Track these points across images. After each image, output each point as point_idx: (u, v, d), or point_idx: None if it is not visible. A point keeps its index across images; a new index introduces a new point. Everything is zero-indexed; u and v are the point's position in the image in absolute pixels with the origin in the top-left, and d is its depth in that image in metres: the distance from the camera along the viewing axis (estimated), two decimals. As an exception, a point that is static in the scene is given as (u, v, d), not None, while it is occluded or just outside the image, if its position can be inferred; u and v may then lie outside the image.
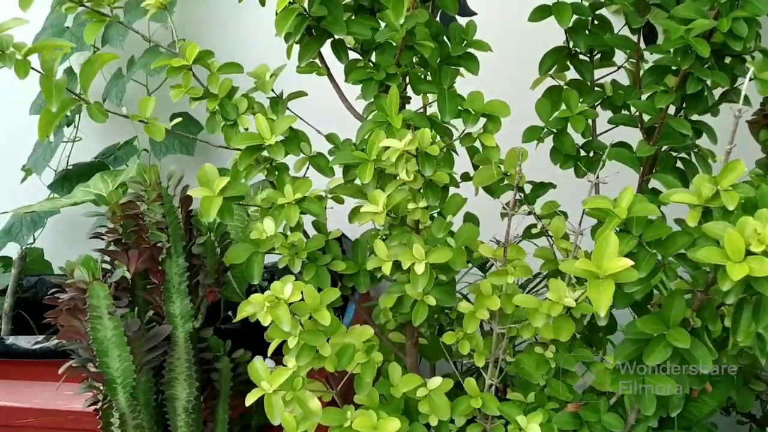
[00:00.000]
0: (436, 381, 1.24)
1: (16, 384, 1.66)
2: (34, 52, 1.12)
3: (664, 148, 1.36)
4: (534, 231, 1.37)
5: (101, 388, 1.37)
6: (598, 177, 1.25)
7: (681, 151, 1.37)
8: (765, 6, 1.14)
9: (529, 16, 1.35)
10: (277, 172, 1.27)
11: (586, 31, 1.38)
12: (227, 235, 1.45)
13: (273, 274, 1.86)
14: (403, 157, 1.15)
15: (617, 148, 1.35)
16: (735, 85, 1.30)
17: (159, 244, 1.38)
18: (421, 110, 1.30)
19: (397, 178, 1.18)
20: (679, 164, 1.38)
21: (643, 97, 1.31)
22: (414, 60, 1.26)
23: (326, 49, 1.27)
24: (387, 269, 1.22)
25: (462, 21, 1.30)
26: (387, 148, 1.15)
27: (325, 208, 1.27)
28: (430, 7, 1.29)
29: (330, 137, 1.32)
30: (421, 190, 1.20)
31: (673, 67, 1.25)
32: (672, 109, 1.31)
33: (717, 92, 1.33)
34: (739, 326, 1.08)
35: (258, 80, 1.33)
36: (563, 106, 1.34)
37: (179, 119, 1.29)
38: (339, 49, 1.26)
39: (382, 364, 1.27)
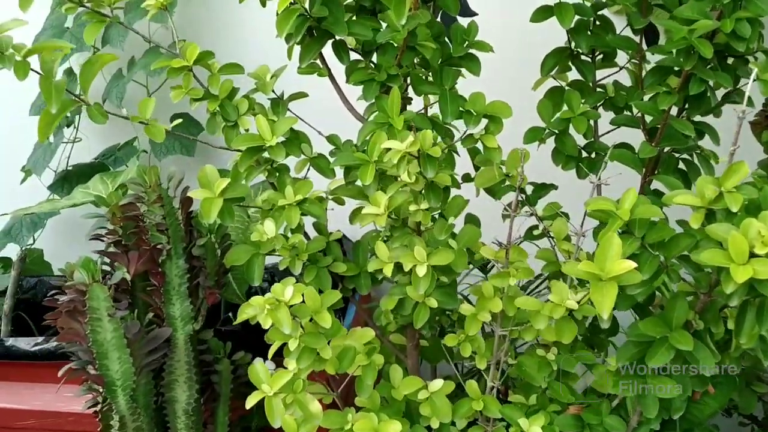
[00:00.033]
0: (437, 383, 1.24)
1: (16, 386, 1.65)
2: (33, 53, 1.11)
3: (667, 149, 1.35)
4: (536, 232, 1.36)
5: (101, 390, 1.37)
6: (600, 178, 1.24)
7: (683, 152, 1.36)
8: (768, 6, 1.14)
9: (531, 16, 1.34)
10: (277, 174, 1.27)
11: (588, 32, 1.37)
12: (228, 236, 1.45)
13: (273, 275, 1.86)
14: (405, 159, 1.15)
15: (619, 149, 1.34)
16: (738, 86, 1.30)
17: (159, 246, 1.38)
18: (423, 111, 1.30)
19: (399, 179, 1.17)
20: (681, 165, 1.37)
21: (646, 98, 1.30)
22: (415, 61, 1.26)
23: (327, 50, 1.27)
24: (388, 271, 1.22)
25: (463, 21, 1.29)
26: (388, 149, 1.14)
27: (326, 209, 1.27)
28: (431, 7, 1.28)
29: (331, 138, 1.32)
30: (423, 192, 1.20)
31: (676, 68, 1.24)
32: (674, 110, 1.30)
33: (719, 93, 1.32)
34: (743, 328, 1.07)
35: (259, 81, 1.33)
36: (565, 107, 1.33)
37: (179, 120, 1.29)
38: (340, 49, 1.26)
39: (383, 366, 1.27)
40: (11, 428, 1.63)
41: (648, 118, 1.33)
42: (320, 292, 1.21)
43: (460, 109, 1.21)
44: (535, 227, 1.36)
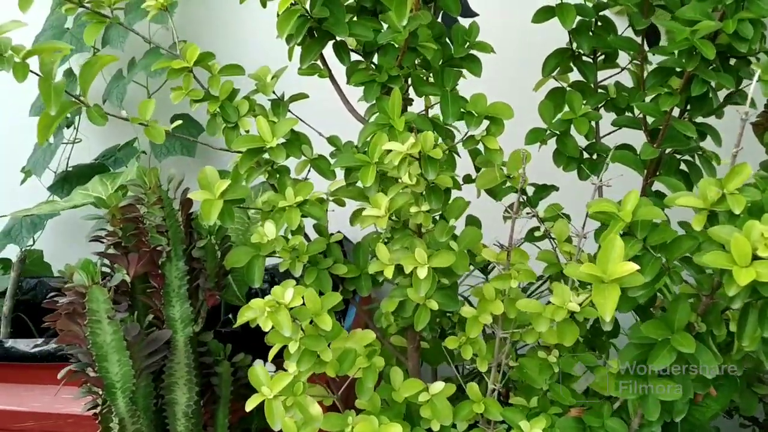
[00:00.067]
0: (438, 386, 1.23)
1: (15, 387, 1.65)
2: (32, 54, 1.11)
3: (668, 150, 1.35)
4: (537, 234, 1.36)
5: (100, 392, 1.37)
6: (601, 180, 1.24)
7: (685, 153, 1.36)
8: (771, 7, 1.14)
9: (533, 17, 1.34)
10: (278, 175, 1.27)
11: (590, 33, 1.37)
12: (228, 238, 1.44)
13: (274, 276, 1.86)
14: (406, 161, 1.14)
15: (621, 150, 1.34)
16: (740, 87, 1.30)
17: (159, 248, 1.37)
18: (424, 112, 1.29)
19: (400, 181, 1.17)
20: (683, 167, 1.37)
21: (647, 99, 1.30)
22: (416, 62, 1.25)
23: (328, 51, 1.26)
24: (389, 273, 1.22)
25: (463, 22, 1.29)
26: (389, 151, 1.14)
27: (327, 210, 1.26)
28: (432, 8, 1.28)
29: (332, 140, 1.31)
30: (424, 194, 1.20)
31: (678, 69, 1.24)
32: (676, 111, 1.30)
33: (721, 94, 1.32)
34: (745, 331, 1.07)
35: (259, 82, 1.32)
36: (566, 108, 1.33)
37: (179, 122, 1.28)
38: (341, 50, 1.25)
39: (383, 368, 1.26)
40: (10, 430, 1.62)
41: (650, 120, 1.33)
42: (321, 294, 1.20)
43: (462, 110, 1.21)
44: (537, 229, 1.36)
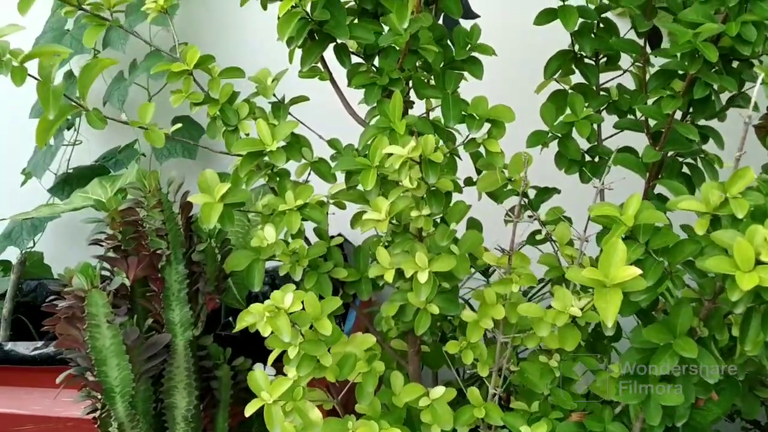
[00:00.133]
0: (438, 390, 1.23)
1: (15, 390, 1.65)
2: (31, 58, 1.10)
3: (671, 153, 1.34)
4: (538, 237, 1.36)
5: (99, 397, 1.36)
6: (603, 183, 1.23)
7: (687, 156, 1.35)
8: (774, 10, 1.13)
9: (535, 19, 1.33)
10: (278, 178, 1.26)
11: (592, 35, 1.36)
12: (228, 241, 1.44)
13: (274, 278, 1.85)
14: (407, 164, 1.14)
15: (623, 153, 1.33)
16: (742, 90, 1.29)
17: (159, 251, 1.37)
18: (425, 115, 1.29)
19: (400, 184, 1.16)
20: (685, 170, 1.36)
21: (650, 101, 1.29)
22: (417, 64, 1.25)
23: (329, 54, 1.26)
24: (389, 277, 1.21)
25: (464, 23, 1.28)
26: (390, 154, 1.13)
27: (327, 213, 1.26)
28: (433, 10, 1.27)
29: (332, 142, 1.30)
30: (425, 198, 1.19)
31: (680, 72, 1.23)
32: (678, 114, 1.29)
33: (724, 97, 1.31)
34: (748, 336, 1.06)
35: (259, 85, 1.32)
36: (568, 111, 1.32)
37: (179, 125, 1.28)
38: (342, 53, 1.25)
39: (384, 372, 1.26)
40: (10, 433, 1.63)
41: (652, 122, 1.32)
42: (321, 298, 1.20)
43: (463, 113, 1.20)
44: (538, 232, 1.35)
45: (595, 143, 1.37)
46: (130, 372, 1.34)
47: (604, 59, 1.40)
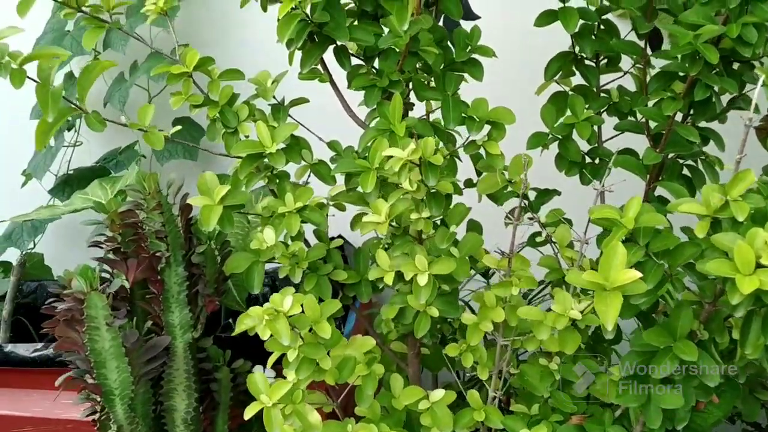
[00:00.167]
0: (438, 393, 1.22)
1: (15, 392, 1.65)
2: (30, 60, 1.10)
3: (671, 155, 1.34)
4: (538, 239, 1.35)
5: (99, 399, 1.36)
6: (603, 185, 1.23)
7: (688, 158, 1.35)
8: (775, 11, 1.12)
9: (535, 21, 1.33)
10: (278, 180, 1.26)
11: (593, 36, 1.36)
12: (227, 243, 1.43)
13: (274, 279, 1.85)
14: (407, 167, 1.13)
15: (623, 155, 1.33)
16: (743, 92, 1.29)
17: (158, 253, 1.37)
18: (425, 117, 1.28)
19: (400, 187, 1.16)
20: (685, 172, 1.36)
21: (650, 103, 1.29)
22: (417, 66, 1.24)
23: (328, 55, 1.26)
24: (389, 279, 1.21)
25: (464, 24, 1.28)
26: (390, 156, 1.13)
27: (327, 215, 1.25)
28: (433, 12, 1.27)
29: (332, 144, 1.30)
30: (424, 200, 1.19)
31: (681, 73, 1.23)
32: (679, 116, 1.29)
33: (724, 99, 1.31)
34: (748, 339, 1.06)
35: (259, 87, 1.32)
36: (568, 112, 1.32)
37: (179, 127, 1.28)
38: (341, 55, 1.25)
39: (383, 375, 1.26)
40: (9, 435, 1.62)
41: (652, 124, 1.32)
42: (320, 300, 1.20)
43: (463, 115, 1.20)
44: (538, 234, 1.35)
45: (596, 145, 1.37)
46: (130, 374, 1.34)
47: (605, 61, 1.40)
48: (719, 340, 1.14)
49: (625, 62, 1.40)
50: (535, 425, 1.24)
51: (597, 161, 1.36)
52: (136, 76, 1.91)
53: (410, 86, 1.25)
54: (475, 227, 1.33)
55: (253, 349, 1.39)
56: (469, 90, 1.25)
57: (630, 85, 1.40)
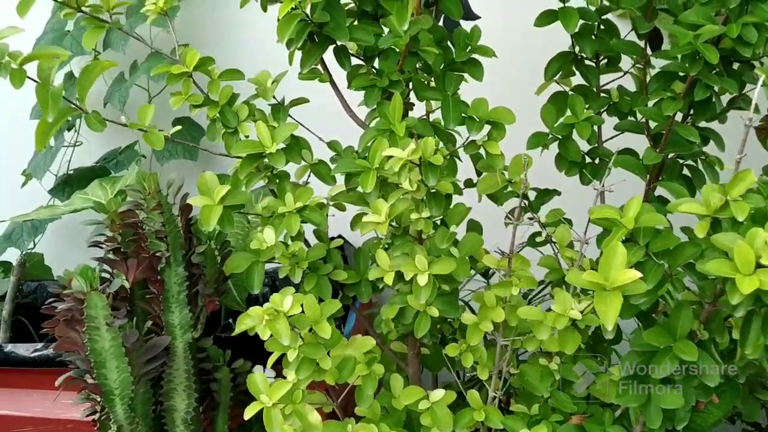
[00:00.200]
0: (438, 393, 1.22)
1: (15, 392, 1.65)
2: (30, 60, 1.10)
3: (671, 155, 1.34)
4: (538, 239, 1.35)
5: (99, 399, 1.36)
6: (603, 185, 1.23)
7: (688, 158, 1.35)
8: (775, 11, 1.12)
9: (535, 21, 1.33)
10: (278, 180, 1.26)
11: (593, 36, 1.36)
12: (228, 243, 1.43)
13: (274, 279, 1.85)
14: (406, 167, 1.13)
15: (623, 155, 1.33)
16: (743, 92, 1.29)
17: (158, 254, 1.37)
18: (425, 117, 1.28)
19: (400, 187, 1.16)
20: (685, 172, 1.36)
21: (650, 103, 1.29)
22: (417, 66, 1.24)
23: (328, 55, 1.26)
24: (389, 280, 1.21)
25: (464, 24, 1.28)
26: (390, 156, 1.13)
27: (327, 215, 1.25)
28: (433, 12, 1.27)
29: (332, 144, 1.30)
30: (424, 200, 1.19)
31: (681, 74, 1.23)
32: (679, 116, 1.29)
33: (724, 99, 1.31)
34: (748, 339, 1.06)
35: (259, 87, 1.32)
36: (568, 112, 1.32)
37: (179, 127, 1.27)
38: (341, 55, 1.25)
39: (383, 375, 1.26)
40: (9, 435, 1.62)
41: (652, 124, 1.32)
42: (320, 300, 1.20)
43: (463, 115, 1.20)
44: (538, 234, 1.35)
45: (596, 145, 1.37)
46: (130, 374, 1.34)
47: (605, 61, 1.40)
48: (719, 340, 1.14)
49: (625, 62, 1.40)
50: (535, 425, 1.24)
51: (597, 161, 1.36)
52: (136, 76, 1.91)
53: (410, 86, 1.25)
54: (475, 227, 1.33)
55: (253, 349, 1.39)
56: (469, 90, 1.25)
57: (630, 85, 1.40)
